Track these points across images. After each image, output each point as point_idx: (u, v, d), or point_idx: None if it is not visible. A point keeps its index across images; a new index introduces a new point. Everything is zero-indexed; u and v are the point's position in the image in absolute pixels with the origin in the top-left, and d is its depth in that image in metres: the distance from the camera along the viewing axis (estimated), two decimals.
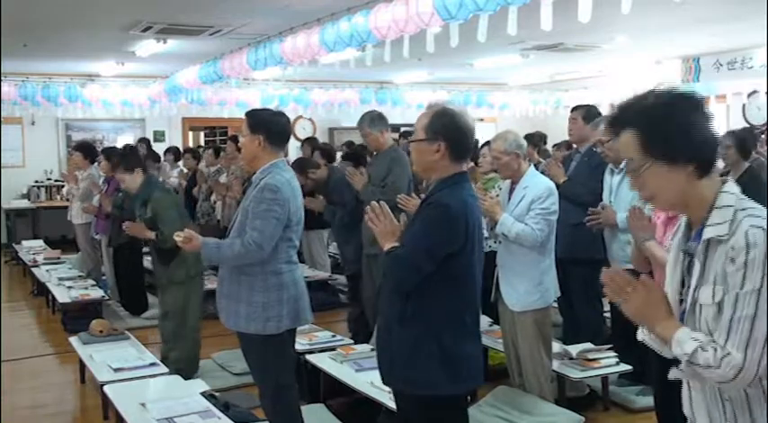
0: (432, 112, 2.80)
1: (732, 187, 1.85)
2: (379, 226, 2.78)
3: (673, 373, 1.85)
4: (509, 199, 4.30)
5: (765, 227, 1.74)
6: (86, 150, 8.36)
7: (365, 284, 5.66)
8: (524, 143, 4.38)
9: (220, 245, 3.51)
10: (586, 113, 5.36)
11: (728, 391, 1.79)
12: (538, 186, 4.18)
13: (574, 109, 5.52)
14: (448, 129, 2.76)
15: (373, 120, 5.51)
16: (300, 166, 6.30)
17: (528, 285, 4.19)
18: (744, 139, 5.42)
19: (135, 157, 5.86)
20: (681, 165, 1.80)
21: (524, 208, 4.14)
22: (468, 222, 2.70)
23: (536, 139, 8.29)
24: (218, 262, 3.60)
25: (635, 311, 1.85)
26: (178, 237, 3.52)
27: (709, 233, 1.80)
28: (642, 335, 1.98)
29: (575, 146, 5.73)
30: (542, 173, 4.74)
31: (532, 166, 4.41)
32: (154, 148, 11.21)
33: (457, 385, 2.78)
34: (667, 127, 1.81)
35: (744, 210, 1.79)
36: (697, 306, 1.82)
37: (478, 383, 2.95)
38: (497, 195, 4.65)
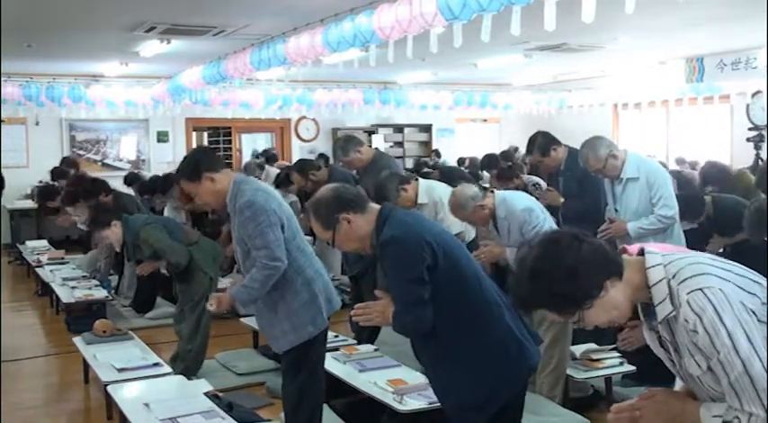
0: (314, 209, 2.88)
1: (654, 259, 1.87)
2: (375, 318, 2.80)
3: None
4: (497, 232, 4.36)
5: (701, 285, 1.77)
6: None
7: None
8: (474, 191, 4.42)
9: (245, 286, 3.51)
10: (542, 149, 5.50)
11: None
12: (515, 213, 4.23)
13: (528, 153, 5.66)
14: (334, 205, 2.81)
15: (344, 147, 5.59)
16: (302, 168, 6.30)
17: None
18: (687, 204, 5.54)
19: (105, 212, 5.83)
20: (599, 295, 1.83)
21: (517, 235, 4.18)
22: (422, 235, 2.70)
23: (512, 168, 8.09)
24: (254, 299, 3.57)
25: (655, 419, 1.91)
26: (211, 306, 3.58)
27: (660, 313, 1.84)
28: None
29: None
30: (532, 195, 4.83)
31: (495, 193, 4.43)
32: (157, 150, 11.28)
33: (522, 374, 2.78)
34: (560, 288, 1.83)
35: (674, 277, 1.82)
36: (694, 377, 1.86)
37: (536, 361, 2.84)
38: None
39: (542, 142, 5.51)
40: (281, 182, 8.10)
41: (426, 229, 2.77)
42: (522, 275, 1.89)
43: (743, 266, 1.90)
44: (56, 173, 10.06)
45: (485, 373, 2.69)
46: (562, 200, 5.30)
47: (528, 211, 4.20)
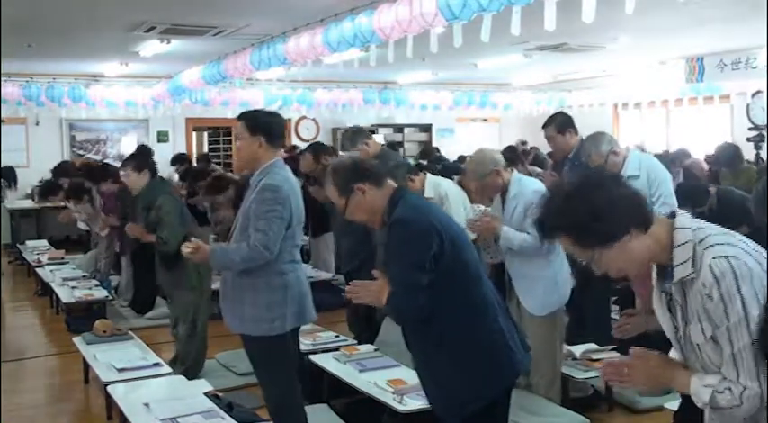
0: (332, 174, 2.87)
1: (684, 221, 1.88)
2: (365, 297, 2.78)
3: (707, 419, 1.89)
4: (502, 210, 4.30)
5: (727, 253, 1.77)
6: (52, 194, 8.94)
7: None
8: (499, 157, 4.35)
9: (227, 251, 3.51)
10: (558, 125, 5.47)
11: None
12: (526, 193, 4.16)
13: (544, 127, 5.58)
14: (351, 173, 2.82)
15: (352, 138, 5.60)
16: (316, 150, 6.24)
17: (545, 287, 4.19)
18: (691, 192, 5.48)
19: (145, 157, 5.82)
20: (621, 238, 1.83)
21: (520, 217, 4.12)
22: (432, 222, 2.69)
23: (514, 154, 8.20)
24: (227, 268, 3.59)
25: (644, 383, 1.91)
26: (186, 248, 3.52)
27: (677, 274, 1.83)
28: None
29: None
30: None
31: (515, 172, 4.40)
32: (157, 150, 11.24)
33: (509, 376, 2.77)
34: (588, 220, 1.83)
35: (701, 241, 1.82)
36: (693, 344, 1.85)
37: (522, 365, 2.85)
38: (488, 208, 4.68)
39: (562, 120, 5.51)
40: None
41: (437, 216, 2.76)
42: (554, 198, 1.90)
43: None
44: (59, 171, 9.96)
45: (470, 370, 2.69)
46: None
47: (539, 193, 4.17)
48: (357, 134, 5.67)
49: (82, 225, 8.70)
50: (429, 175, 5.54)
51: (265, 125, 3.56)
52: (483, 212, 4.55)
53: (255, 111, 3.85)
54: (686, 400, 2.10)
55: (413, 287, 2.62)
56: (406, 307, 2.68)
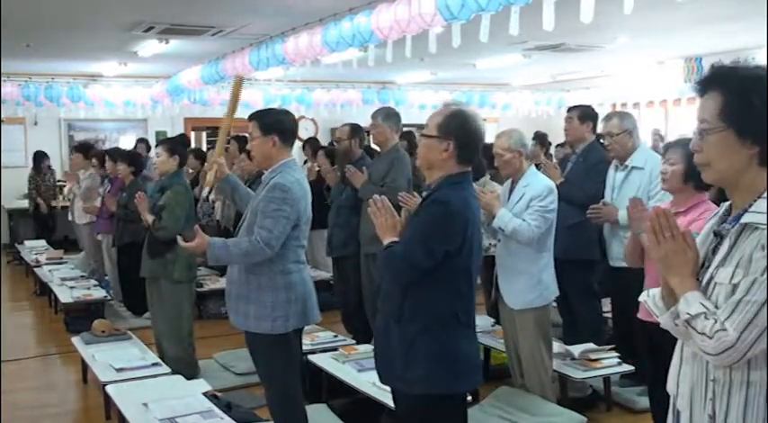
0: (447, 112, 2.83)
1: None
2: (379, 219, 2.82)
3: (665, 322, 1.85)
4: (509, 197, 4.31)
5: None
6: (86, 151, 8.51)
7: (363, 284, 5.67)
8: (529, 142, 4.39)
9: (227, 243, 3.51)
10: (582, 113, 5.40)
11: (715, 371, 1.79)
12: (538, 185, 4.21)
13: (570, 109, 5.55)
14: (459, 130, 2.78)
15: (389, 115, 5.61)
16: (355, 129, 6.19)
17: (527, 283, 4.20)
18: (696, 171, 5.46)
19: (181, 144, 5.73)
20: (748, 142, 1.77)
21: (523, 206, 4.16)
22: (469, 221, 2.72)
23: (544, 140, 8.47)
24: (225, 261, 3.58)
25: (663, 256, 1.83)
26: (183, 240, 3.50)
27: (748, 218, 1.79)
28: (645, 296, 1.98)
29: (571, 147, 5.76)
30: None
31: (533, 165, 4.42)
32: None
33: (455, 384, 2.79)
34: (753, 98, 1.76)
35: None
36: (711, 284, 1.81)
37: (476, 383, 2.95)
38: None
39: (586, 111, 5.44)
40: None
41: (474, 220, 2.78)
42: (738, 65, 1.84)
43: None
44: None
45: (426, 362, 2.72)
46: (561, 180, 5.22)
47: (549, 190, 4.20)
48: (395, 117, 5.68)
49: (77, 214, 8.62)
50: None
51: (278, 124, 3.56)
52: (490, 189, 4.53)
53: (268, 110, 3.84)
54: (659, 385, 2.07)
55: (412, 264, 2.69)
56: (394, 270, 2.78)
